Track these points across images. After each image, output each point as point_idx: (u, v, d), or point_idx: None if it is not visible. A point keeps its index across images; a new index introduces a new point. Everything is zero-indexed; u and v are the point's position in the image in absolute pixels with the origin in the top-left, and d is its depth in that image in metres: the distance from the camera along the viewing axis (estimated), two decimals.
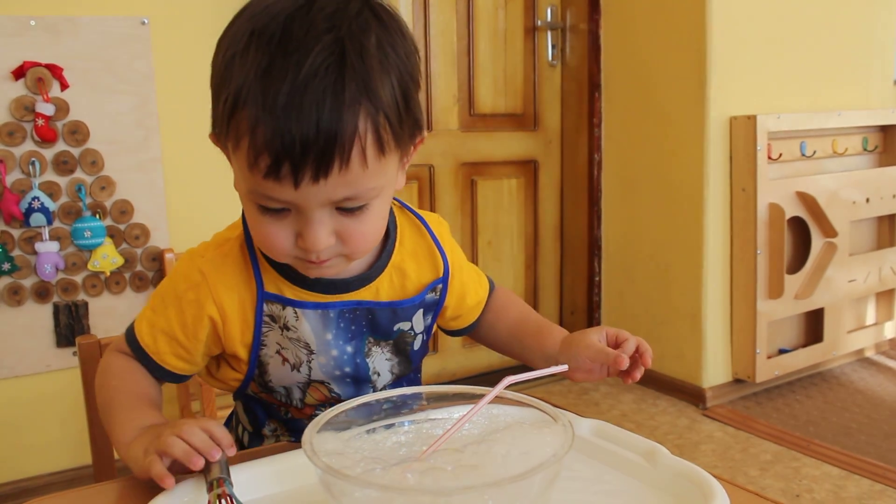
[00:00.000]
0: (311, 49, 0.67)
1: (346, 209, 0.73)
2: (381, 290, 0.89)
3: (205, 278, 0.85)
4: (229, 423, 1.04)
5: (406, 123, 0.74)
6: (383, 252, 0.89)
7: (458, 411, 0.75)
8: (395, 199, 0.89)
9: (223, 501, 0.66)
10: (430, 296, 0.94)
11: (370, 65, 0.69)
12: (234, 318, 0.86)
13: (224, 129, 0.72)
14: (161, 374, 0.88)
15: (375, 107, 0.69)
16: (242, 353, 0.88)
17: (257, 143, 0.68)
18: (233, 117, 0.70)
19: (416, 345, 0.95)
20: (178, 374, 0.89)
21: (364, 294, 0.88)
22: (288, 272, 0.85)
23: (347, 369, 0.89)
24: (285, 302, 0.86)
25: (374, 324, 0.89)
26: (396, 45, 0.73)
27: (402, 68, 0.73)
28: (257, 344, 0.87)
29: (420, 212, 0.96)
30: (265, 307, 0.86)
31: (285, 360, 0.88)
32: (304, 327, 0.86)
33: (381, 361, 0.91)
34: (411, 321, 0.92)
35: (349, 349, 0.88)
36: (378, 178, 0.73)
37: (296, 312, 0.85)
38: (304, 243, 0.74)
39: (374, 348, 0.90)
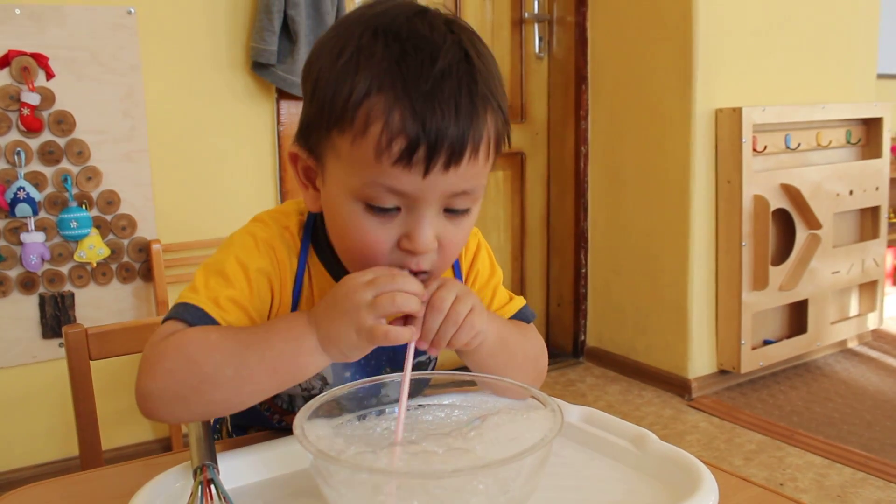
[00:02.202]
0: (439, 46, 0.69)
1: (454, 211, 0.74)
2: None
3: (274, 252, 0.82)
4: (215, 425, 1.04)
5: (508, 128, 0.77)
6: None
7: (448, 398, 0.75)
8: None
9: (210, 488, 0.66)
10: None
11: (489, 69, 0.73)
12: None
13: (343, 123, 0.71)
14: None
15: (498, 106, 0.73)
16: None
17: (393, 126, 0.68)
18: (362, 105, 0.69)
19: (430, 368, 0.93)
20: None
21: None
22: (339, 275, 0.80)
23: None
24: None
25: (394, 359, 0.88)
26: (491, 57, 0.76)
27: (501, 79, 0.76)
28: None
29: None
30: None
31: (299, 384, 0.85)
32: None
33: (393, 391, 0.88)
34: (428, 353, 0.87)
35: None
36: (486, 177, 0.75)
37: None
38: (412, 244, 0.72)
39: None
